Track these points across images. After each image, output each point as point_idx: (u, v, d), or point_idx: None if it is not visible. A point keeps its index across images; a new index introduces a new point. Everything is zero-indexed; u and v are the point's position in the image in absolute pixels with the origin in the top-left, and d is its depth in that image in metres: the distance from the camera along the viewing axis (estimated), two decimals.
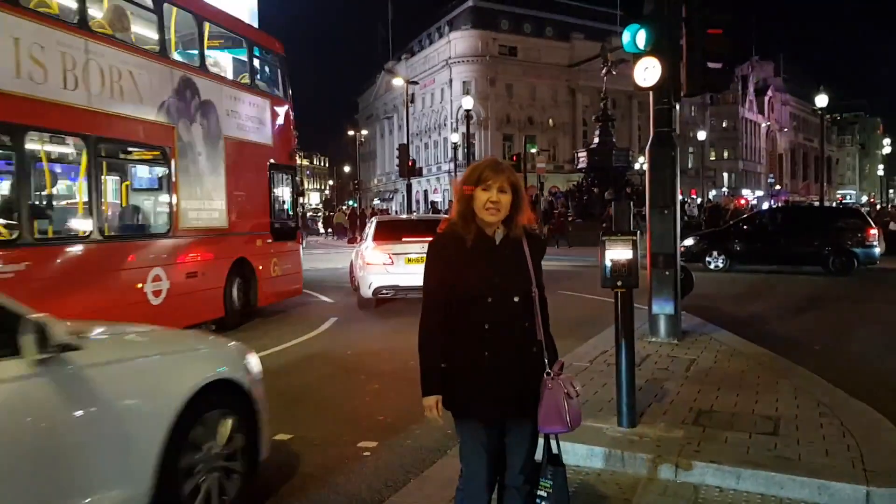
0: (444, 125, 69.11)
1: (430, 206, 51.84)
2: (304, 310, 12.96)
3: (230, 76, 11.84)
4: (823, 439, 5.01)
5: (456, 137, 49.95)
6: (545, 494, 3.10)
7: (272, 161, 12.34)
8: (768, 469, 4.45)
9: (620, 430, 5.13)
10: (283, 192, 12.88)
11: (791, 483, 4.33)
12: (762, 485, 4.37)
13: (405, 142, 37.99)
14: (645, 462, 4.67)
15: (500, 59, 67.84)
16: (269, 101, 12.37)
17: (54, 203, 8.66)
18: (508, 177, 2.95)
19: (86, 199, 8.24)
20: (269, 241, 12.06)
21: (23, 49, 7.17)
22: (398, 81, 52.21)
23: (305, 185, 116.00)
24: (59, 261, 7.71)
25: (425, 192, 69.47)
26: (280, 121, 12.72)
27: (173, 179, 9.60)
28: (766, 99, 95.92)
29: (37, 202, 8.14)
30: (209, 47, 10.87)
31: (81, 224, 8.28)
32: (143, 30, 9.72)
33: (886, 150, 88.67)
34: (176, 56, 10.15)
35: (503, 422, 3.04)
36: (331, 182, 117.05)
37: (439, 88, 70.63)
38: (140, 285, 8.80)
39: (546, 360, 3.01)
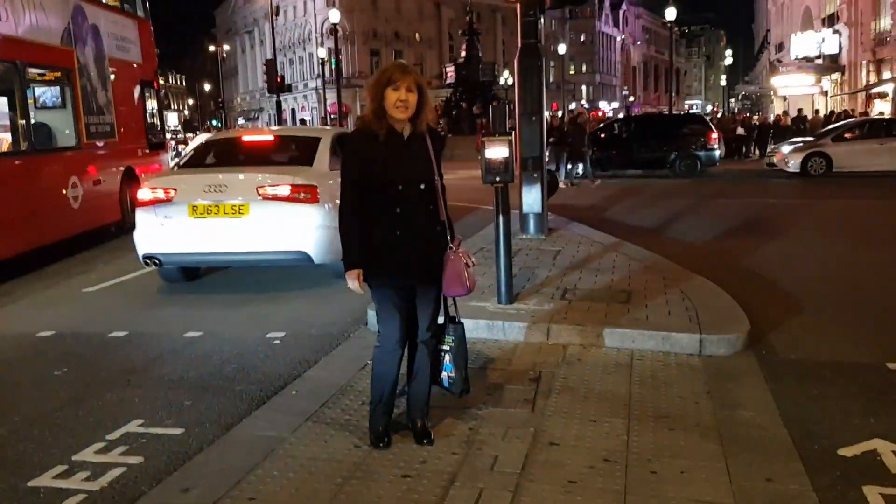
0: (309, 40, 67.43)
1: (300, 124, 50.99)
2: None
3: (107, 1, 12.58)
4: (667, 304, 5.99)
5: (322, 53, 48.97)
6: (447, 348, 3.77)
7: (142, 79, 13.52)
8: (623, 327, 5.35)
9: (500, 307, 5.90)
10: (153, 107, 14.14)
11: (641, 336, 5.24)
12: (617, 340, 5.25)
13: (270, 57, 37.03)
14: (521, 329, 5.47)
15: None
16: (136, 21, 13.44)
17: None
18: (415, 78, 3.45)
19: (21, 117, 9.51)
20: (147, 150, 13.45)
21: None
22: None
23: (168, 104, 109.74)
24: (6, 170, 8.99)
25: (293, 110, 67.98)
26: (145, 40, 13.80)
27: (77, 98, 10.77)
28: (621, 13, 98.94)
29: None
30: None
31: (20, 139, 9.52)
32: None
33: (728, 61, 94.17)
34: None
35: (413, 288, 3.64)
36: (190, 101, 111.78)
37: (302, 1, 68.38)
38: (64, 191, 10.17)
39: (448, 237, 3.62)
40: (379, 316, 3.71)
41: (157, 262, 7.49)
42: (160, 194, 7.27)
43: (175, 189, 7.25)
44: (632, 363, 4.90)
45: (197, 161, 8.36)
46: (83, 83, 10.99)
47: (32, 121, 9.76)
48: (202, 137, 14.75)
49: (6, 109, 9.53)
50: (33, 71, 9.92)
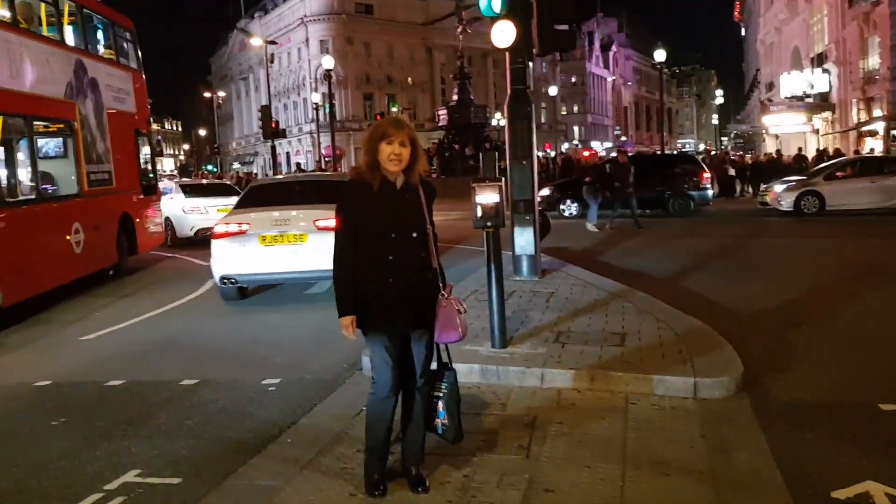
0: (304, 85, 68.06)
1: (296, 168, 51.38)
2: (190, 271, 13.15)
3: (104, 54, 13.25)
4: (661, 346, 6.03)
5: (316, 98, 49.50)
6: (441, 394, 3.81)
7: (137, 127, 14.12)
8: (617, 371, 5.39)
9: (493, 351, 5.94)
10: (146, 154, 14.85)
11: (635, 380, 5.28)
12: (612, 384, 5.29)
13: (264, 103, 37.43)
14: (515, 374, 5.50)
15: (355, 16, 67.32)
16: (130, 73, 14.12)
17: (13, 171, 9.99)
18: (408, 133, 3.57)
19: (29, 167, 10.17)
20: (141, 196, 13.96)
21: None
22: (255, 41, 51.04)
23: (161, 151, 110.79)
24: (15, 218, 9.33)
25: (287, 154, 68.45)
26: (139, 91, 14.49)
27: (79, 148, 11.30)
28: (611, 54, 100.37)
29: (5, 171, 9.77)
30: (87, 30, 12.53)
31: (28, 187, 10.09)
32: (49, 23, 11.50)
33: (719, 100, 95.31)
34: (71, 41, 11.75)
35: (406, 335, 3.69)
36: (186, 146, 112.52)
37: (296, 48, 69.29)
38: (67, 237, 10.67)
39: (440, 284, 3.69)
40: (373, 363, 3.75)
41: (233, 281, 9.20)
42: (234, 228, 9.07)
43: (249, 224, 9.04)
44: (626, 407, 4.93)
45: (251, 201, 9.95)
46: (84, 134, 11.52)
47: (39, 170, 10.34)
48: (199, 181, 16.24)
49: (15, 159, 10.00)
50: (39, 123, 10.52)
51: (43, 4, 11.18)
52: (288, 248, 8.89)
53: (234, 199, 17.79)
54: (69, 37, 11.90)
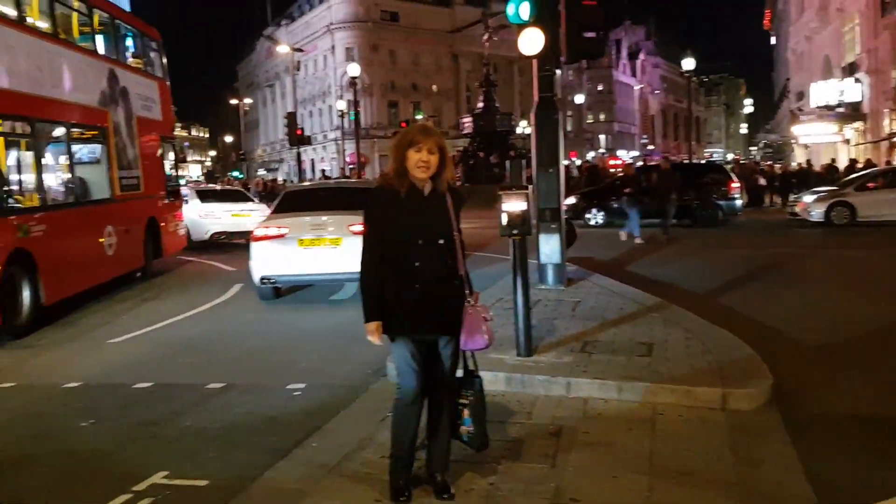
0: (329, 93, 68.51)
1: (322, 175, 51.78)
2: (216, 275, 13.26)
3: (133, 64, 13.70)
4: (689, 357, 5.97)
5: (341, 105, 49.81)
6: (466, 402, 3.79)
7: (162, 135, 14.63)
8: (644, 381, 5.34)
9: (519, 359, 5.92)
10: (171, 161, 15.44)
11: (662, 390, 5.22)
12: (639, 394, 5.24)
13: (290, 110, 37.71)
14: (541, 383, 5.47)
15: (381, 24, 67.66)
16: (157, 82, 14.63)
17: (54, 176, 10.69)
18: (436, 140, 3.57)
19: (67, 172, 10.72)
20: (166, 201, 14.51)
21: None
22: (282, 49, 51.48)
23: (187, 157, 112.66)
24: (60, 220, 9.84)
25: (312, 161, 68.89)
26: (165, 99, 14.97)
27: (111, 154, 11.74)
28: (639, 62, 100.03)
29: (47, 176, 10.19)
30: (117, 40, 13.05)
31: (67, 192, 10.69)
32: (82, 33, 11.88)
33: (748, 109, 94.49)
34: (103, 51, 12.22)
35: (432, 342, 3.68)
36: (212, 153, 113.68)
37: (322, 55, 69.80)
38: (101, 240, 11.11)
39: (466, 291, 3.68)
40: (398, 369, 3.75)
41: (272, 281, 9.76)
42: (274, 232, 9.58)
43: (287, 228, 9.55)
44: (653, 417, 4.88)
45: (287, 207, 10.45)
46: (116, 140, 11.96)
47: (76, 175, 10.85)
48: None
49: (55, 164, 10.65)
50: (76, 130, 10.94)
51: (76, 14, 11.53)
52: (324, 251, 9.37)
53: (246, 205, 19.20)
54: (102, 47, 12.33)
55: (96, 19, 12.15)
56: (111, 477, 4.33)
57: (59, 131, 10.48)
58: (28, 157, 9.75)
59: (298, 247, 9.45)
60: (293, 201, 10.86)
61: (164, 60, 15.30)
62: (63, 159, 10.76)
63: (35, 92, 9.53)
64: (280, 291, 10.38)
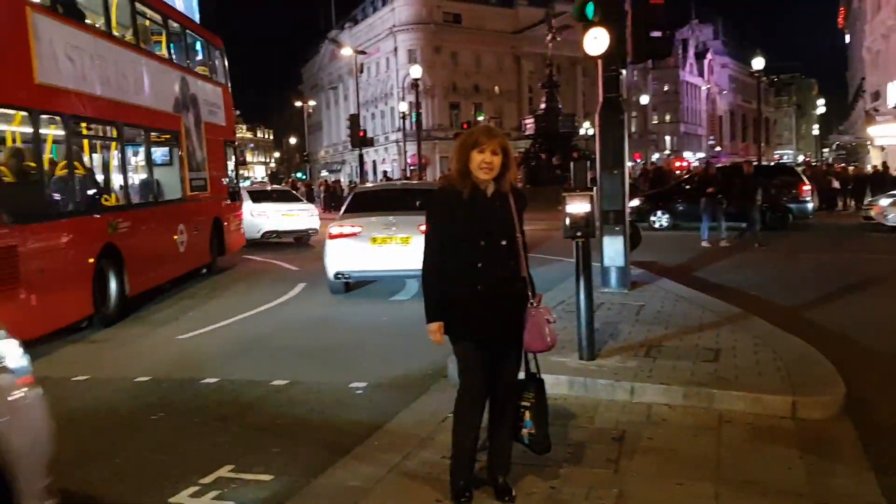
0: (391, 94, 69.07)
1: (383, 176, 52.25)
2: (278, 274, 13.52)
3: (200, 71, 14.47)
4: (757, 363, 5.81)
5: (403, 107, 50.11)
6: (528, 405, 3.76)
7: (225, 139, 15.45)
8: (710, 387, 5.22)
9: (582, 363, 5.85)
10: (232, 163, 16.17)
11: (729, 397, 5.09)
12: (705, 400, 5.12)
13: (353, 112, 38.12)
14: (604, 387, 5.40)
15: (444, 26, 67.90)
16: (221, 88, 15.50)
17: (136, 177, 11.65)
18: (500, 142, 3.55)
19: (147, 173, 11.53)
20: (228, 202, 15.38)
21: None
22: (345, 51, 52.11)
23: (250, 159, 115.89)
24: (141, 218, 10.55)
25: (374, 162, 69.53)
26: (227, 105, 15.90)
27: (183, 157, 12.49)
28: (706, 62, 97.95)
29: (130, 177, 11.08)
30: (188, 49, 13.95)
31: (147, 191, 11.37)
32: (161, 45, 12.88)
33: (821, 110, 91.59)
34: (176, 60, 13.07)
35: (494, 343, 3.66)
36: (276, 154, 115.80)
37: (384, 57, 70.41)
38: (174, 237, 11.86)
39: (529, 293, 3.66)
40: (459, 370, 3.75)
41: (346, 276, 10.46)
42: (348, 230, 10.22)
43: (361, 227, 10.17)
44: (720, 425, 4.77)
45: (358, 207, 11.10)
46: (187, 144, 12.72)
47: (154, 176, 11.58)
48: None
49: (136, 166, 11.60)
50: (154, 134, 11.62)
51: (154, 25, 12.34)
52: (395, 249, 9.91)
53: (295, 205, 20.23)
54: (175, 55, 13.14)
55: (170, 29, 12.92)
56: (180, 469, 4.44)
57: (141, 135, 11.16)
58: (115, 159, 10.58)
59: (371, 245, 10.04)
60: (362, 201, 11.47)
61: (226, 67, 16.21)
62: (143, 162, 11.53)
63: (121, 98, 10.20)
64: (349, 286, 10.97)
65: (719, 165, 26.58)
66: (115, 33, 10.39)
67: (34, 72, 7.93)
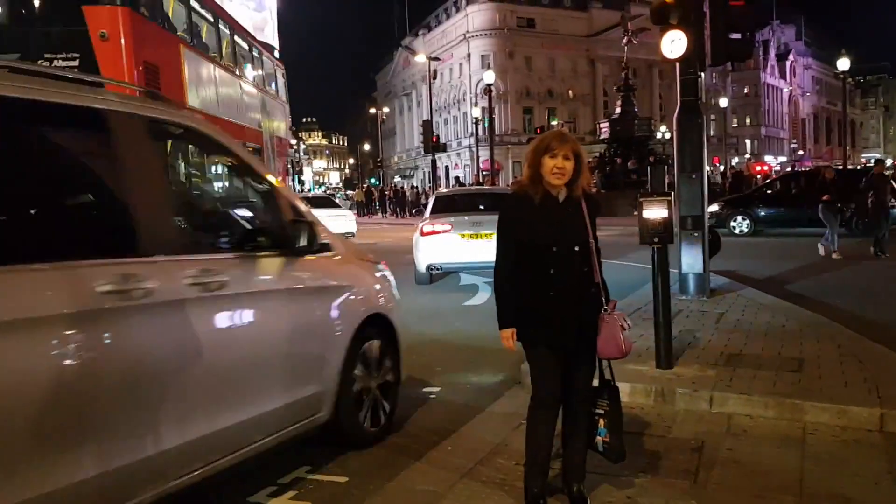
0: (464, 100, 69.38)
1: (455, 182, 52.49)
2: None
3: (270, 91, 16.15)
4: (843, 374, 5.60)
5: (476, 112, 50.26)
6: (602, 412, 3.71)
7: (286, 149, 17.10)
8: (793, 398, 5.05)
9: (658, 371, 5.74)
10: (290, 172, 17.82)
11: (813, 409, 4.92)
12: (787, 411, 4.96)
13: (426, 118, 38.42)
14: (682, 396, 5.29)
15: (517, 31, 67.81)
16: (283, 105, 17.11)
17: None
18: (572, 146, 3.53)
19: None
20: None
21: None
22: (419, 58, 52.62)
23: (325, 164, 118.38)
24: None
25: (446, 167, 69.89)
26: (287, 119, 17.63)
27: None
28: (788, 63, 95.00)
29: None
30: (265, 72, 15.63)
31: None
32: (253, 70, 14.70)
33: None
34: (259, 82, 14.71)
35: (567, 349, 3.63)
36: (351, 160, 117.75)
37: (458, 63, 70.78)
38: None
39: (603, 299, 3.62)
40: (533, 376, 3.72)
41: (437, 268, 11.91)
42: (440, 227, 11.71)
43: (451, 224, 11.68)
44: (804, 437, 4.61)
45: (441, 208, 12.63)
46: (266, 156, 14.05)
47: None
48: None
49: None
50: (248, 147, 12.90)
51: (245, 51, 13.86)
52: (482, 243, 10.96)
53: (334, 210, 20.96)
54: (258, 78, 14.66)
55: (254, 55, 14.35)
56: (258, 468, 4.54)
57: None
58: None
59: (461, 239, 11.50)
60: (445, 203, 13.01)
61: (287, 85, 18.13)
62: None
63: (229, 118, 11.54)
64: (433, 278, 12.32)
65: (860, 168, 24.99)
66: (225, 62, 11.84)
67: (185, 98, 9.04)
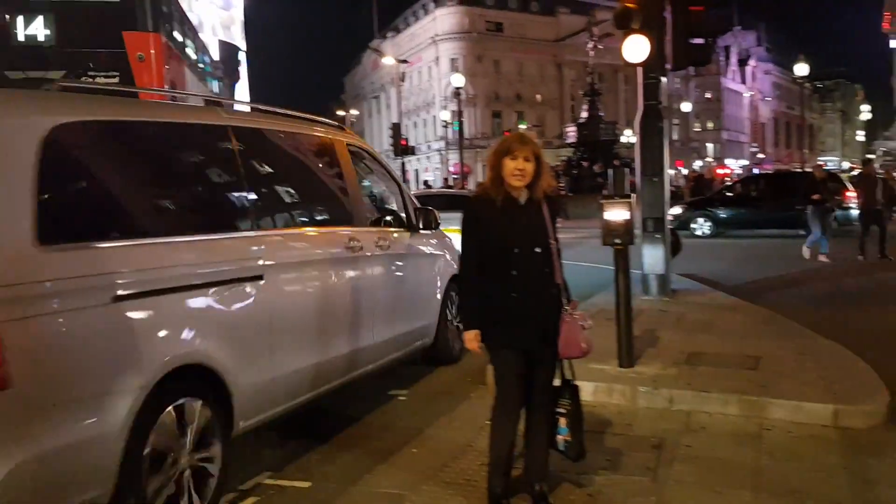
0: (433, 103, 69.38)
1: (424, 185, 52.48)
2: None
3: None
4: (799, 371, 5.75)
5: (445, 115, 50.36)
6: (563, 411, 3.77)
7: None
8: (751, 395, 5.17)
9: (620, 370, 5.83)
10: None
11: (771, 405, 5.04)
12: (745, 408, 5.08)
13: (395, 121, 38.38)
14: (643, 394, 5.38)
15: (486, 35, 68.05)
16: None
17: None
18: (532, 148, 3.58)
19: None
20: None
21: None
22: (387, 60, 52.58)
23: None
24: None
25: (416, 171, 69.86)
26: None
27: None
28: (749, 69, 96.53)
29: None
30: None
31: None
32: None
33: (866, 116, 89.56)
34: None
35: (530, 350, 3.68)
36: None
37: (426, 66, 70.81)
38: None
39: (564, 300, 3.67)
40: (496, 377, 3.76)
41: None
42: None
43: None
44: (761, 433, 4.72)
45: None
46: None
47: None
48: None
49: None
50: None
51: None
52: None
53: None
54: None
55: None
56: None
57: None
58: None
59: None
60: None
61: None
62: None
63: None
64: None
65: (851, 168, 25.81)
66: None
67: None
